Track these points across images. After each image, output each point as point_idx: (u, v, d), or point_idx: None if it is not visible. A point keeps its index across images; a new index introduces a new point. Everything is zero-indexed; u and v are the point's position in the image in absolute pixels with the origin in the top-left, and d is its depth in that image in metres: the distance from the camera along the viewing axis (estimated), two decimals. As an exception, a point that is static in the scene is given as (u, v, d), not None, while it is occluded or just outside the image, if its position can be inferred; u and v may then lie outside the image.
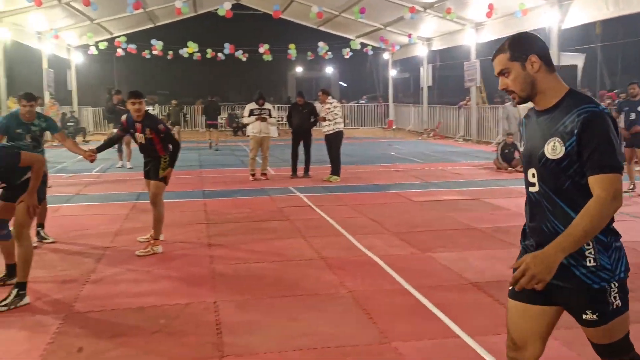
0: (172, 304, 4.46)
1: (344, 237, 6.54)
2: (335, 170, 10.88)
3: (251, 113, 11.00)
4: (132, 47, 22.18)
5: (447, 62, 28.70)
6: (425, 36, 21.14)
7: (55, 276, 5.18)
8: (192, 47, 22.32)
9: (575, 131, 2.04)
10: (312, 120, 11.29)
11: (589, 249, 2.10)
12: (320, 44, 23.16)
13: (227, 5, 17.28)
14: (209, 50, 23.38)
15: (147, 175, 6.24)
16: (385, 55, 26.26)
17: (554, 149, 2.10)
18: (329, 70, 43.13)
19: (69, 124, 19.29)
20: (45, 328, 4.00)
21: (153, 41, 22.02)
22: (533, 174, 2.20)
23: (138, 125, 5.95)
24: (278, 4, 17.79)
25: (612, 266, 2.10)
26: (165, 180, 6.04)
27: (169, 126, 15.82)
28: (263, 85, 30.68)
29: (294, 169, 11.35)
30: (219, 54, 23.29)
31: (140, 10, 18.05)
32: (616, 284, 2.11)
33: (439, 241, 6.25)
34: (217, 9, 18.72)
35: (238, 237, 6.58)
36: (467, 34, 18.29)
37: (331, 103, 11.01)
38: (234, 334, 3.92)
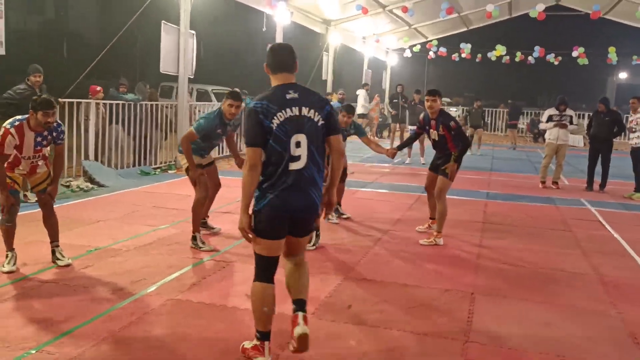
0: (433, 287, 4.86)
1: (631, 259, 6.00)
2: (640, 188, 9.76)
3: (549, 119, 10.60)
4: (442, 50, 23.16)
5: None
6: None
7: (340, 245, 6.07)
8: (500, 50, 22.18)
9: None
10: (615, 130, 10.29)
11: None
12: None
13: (540, 7, 16.68)
14: (518, 54, 22.89)
15: (434, 169, 6.59)
16: None
17: None
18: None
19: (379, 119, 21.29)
20: (327, 283, 4.82)
21: (462, 44, 22.60)
22: None
23: (433, 123, 6.27)
24: (599, 4, 16.39)
25: None
26: (450, 176, 6.24)
27: (467, 127, 16.23)
28: (576, 91, 28.57)
29: (590, 182, 10.53)
30: (529, 57, 22.61)
31: (455, 15, 18.79)
32: None
33: None
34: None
35: (511, 240, 6.61)
36: None
37: (644, 112, 9.87)
38: (483, 324, 4.11)
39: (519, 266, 5.62)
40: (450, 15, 17.90)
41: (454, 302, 4.55)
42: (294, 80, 3.33)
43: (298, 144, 3.19)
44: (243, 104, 6.01)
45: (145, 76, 21.59)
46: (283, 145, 3.16)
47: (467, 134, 15.87)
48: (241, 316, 4.06)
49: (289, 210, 3.23)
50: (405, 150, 13.70)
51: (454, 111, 27.60)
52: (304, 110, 3.23)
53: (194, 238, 5.75)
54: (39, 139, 4.78)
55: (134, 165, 10.30)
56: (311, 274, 4.98)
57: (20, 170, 4.87)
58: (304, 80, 19.43)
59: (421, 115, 6.60)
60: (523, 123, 24.59)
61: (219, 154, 12.76)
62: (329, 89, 18.53)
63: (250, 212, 3.24)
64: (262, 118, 3.12)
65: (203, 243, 5.74)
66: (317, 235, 5.90)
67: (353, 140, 8.01)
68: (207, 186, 5.86)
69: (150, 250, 5.56)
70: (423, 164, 13.17)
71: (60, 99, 8.43)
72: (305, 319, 3.32)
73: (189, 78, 11.43)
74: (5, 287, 4.37)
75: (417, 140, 12.97)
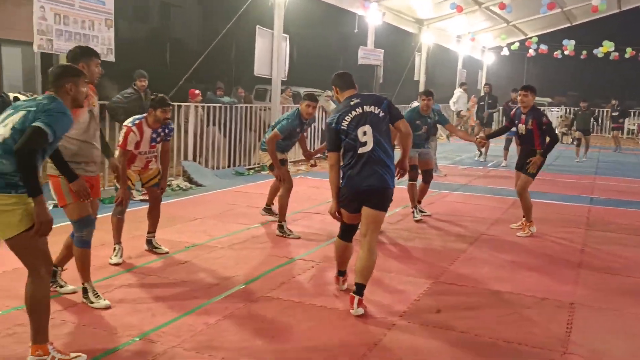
0: (528, 294, 4.65)
1: None
2: None
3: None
4: (543, 48, 22.12)
5: None
6: None
7: (430, 247, 5.96)
8: (607, 46, 20.83)
9: None
10: None
11: None
12: None
13: (655, -1, 15.49)
14: (628, 50, 21.39)
15: (521, 168, 6.61)
16: None
17: None
18: None
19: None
20: (416, 287, 4.75)
21: (565, 41, 21.45)
22: None
23: (523, 117, 6.39)
24: None
25: None
26: (533, 175, 6.40)
27: (573, 131, 15.24)
28: (695, 88, 26.22)
29: None
30: (640, 53, 21.09)
31: (557, 10, 17.87)
32: None
33: None
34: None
35: (616, 248, 6.18)
36: None
37: None
38: (584, 336, 3.88)
39: (624, 276, 5.25)
40: (552, 11, 17.03)
41: (551, 311, 4.33)
42: (356, 92, 4.40)
43: (364, 133, 4.11)
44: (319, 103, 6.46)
45: (241, 79, 22.34)
46: (352, 137, 4.12)
47: (575, 137, 15.01)
48: (328, 315, 4.09)
49: (361, 186, 4.11)
50: (502, 152, 13.24)
51: (555, 112, 26.28)
52: (366, 107, 4.18)
53: (281, 227, 6.21)
54: (154, 135, 5.19)
55: (228, 166, 10.69)
56: (400, 276, 4.98)
57: (135, 167, 5.27)
58: (395, 81, 19.31)
59: (513, 110, 6.80)
60: (634, 124, 22.94)
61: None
62: (421, 89, 18.28)
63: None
64: (334, 127, 4.18)
65: (290, 231, 6.21)
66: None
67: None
68: (291, 179, 6.33)
69: (244, 248, 5.74)
70: (504, 165, 12.82)
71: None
72: (360, 302, 4.07)
73: (282, 80, 11.69)
74: (113, 278, 4.68)
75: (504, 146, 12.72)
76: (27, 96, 6.86)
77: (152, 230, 5.44)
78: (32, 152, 2.93)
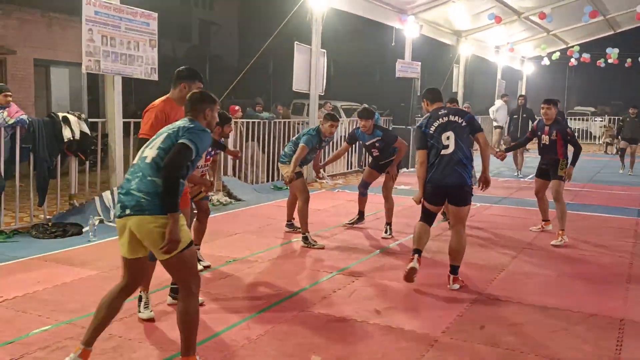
0: (575, 310, 4.52)
1: None
2: None
3: None
4: (585, 57, 21.60)
5: None
6: None
7: (472, 262, 5.86)
8: (653, 54, 20.19)
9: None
10: None
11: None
12: None
13: None
14: (675, 56, 20.71)
15: (541, 175, 7.06)
16: None
17: None
18: None
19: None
20: (459, 303, 4.67)
21: (609, 49, 20.91)
22: None
23: (546, 129, 6.82)
24: None
25: None
26: (563, 178, 6.73)
27: (617, 141, 14.48)
28: None
29: None
30: (688, 60, 20.37)
31: (599, 18, 17.46)
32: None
33: None
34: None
35: (668, 263, 5.96)
36: None
37: None
38: (635, 354, 3.74)
39: (678, 292, 5.05)
40: (594, 19, 16.65)
41: (600, 328, 4.19)
42: (443, 105, 5.27)
43: (448, 138, 4.92)
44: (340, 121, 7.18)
45: (279, 94, 22.59)
46: (436, 139, 4.95)
47: (620, 147, 14.32)
48: (370, 330, 4.06)
49: (442, 183, 4.92)
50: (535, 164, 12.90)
51: (599, 121, 25.61)
52: (451, 117, 5.00)
53: (305, 238, 6.37)
54: (210, 149, 5.33)
55: (267, 181, 10.79)
56: (442, 291, 4.91)
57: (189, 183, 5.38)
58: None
59: (535, 122, 7.47)
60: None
61: (347, 168, 12.96)
62: (460, 101, 18.08)
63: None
64: (423, 129, 5.02)
65: (315, 242, 6.38)
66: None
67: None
68: (307, 190, 6.53)
69: (284, 263, 5.77)
70: (520, 176, 12.69)
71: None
72: (455, 279, 5.01)
73: (320, 95, 11.78)
74: (156, 292, 4.75)
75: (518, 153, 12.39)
76: (75, 115, 7.11)
77: (197, 243, 5.52)
78: (179, 167, 3.12)
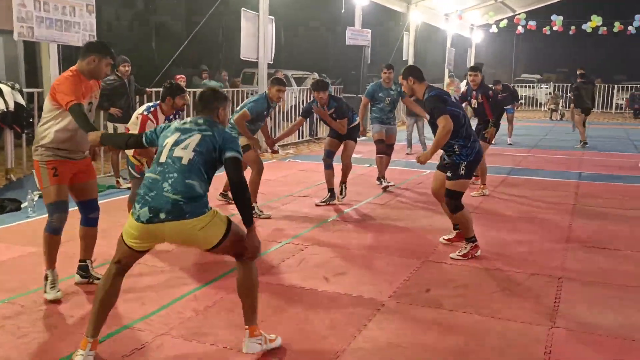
0: (517, 271, 4.67)
1: None
2: None
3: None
4: (531, 24, 21.99)
5: None
6: None
7: (417, 227, 5.95)
8: (595, 21, 20.74)
9: None
10: None
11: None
12: None
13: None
14: (616, 24, 21.32)
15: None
16: None
17: None
18: None
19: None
20: (405, 268, 4.74)
21: (553, 16, 21.34)
22: None
23: (474, 93, 7.55)
24: None
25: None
26: (489, 139, 7.52)
27: (576, 112, 13.85)
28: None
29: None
30: (629, 27, 20.99)
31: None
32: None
33: None
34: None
35: (604, 223, 6.22)
36: None
37: None
38: (572, 309, 3.91)
39: (613, 250, 5.28)
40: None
41: (540, 286, 4.35)
42: None
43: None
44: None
45: (229, 64, 22.13)
46: (463, 112, 4.95)
47: (577, 120, 13.60)
48: (318, 298, 4.09)
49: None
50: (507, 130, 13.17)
51: (544, 88, 26.29)
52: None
53: (252, 208, 6.19)
54: (166, 122, 5.15)
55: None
56: (389, 257, 4.98)
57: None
58: (384, 62, 19.10)
59: (464, 89, 8.29)
60: (622, 98, 23.01)
61: (298, 138, 12.90)
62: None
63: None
64: (447, 97, 4.89)
65: (261, 211, 6.38)
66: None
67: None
68: (260, 160, 6.45)
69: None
70: (509, 144, 12.73)
71: (147, 89, 8.83)
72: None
73: (269, 64, 11.58)
74: (98, 268, 4.63)
75: (507, 121, 12.56)
76: (8, 85, 6.76)
77: None
78: (244, 182, 3.09)
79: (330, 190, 7.00)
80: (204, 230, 3.03)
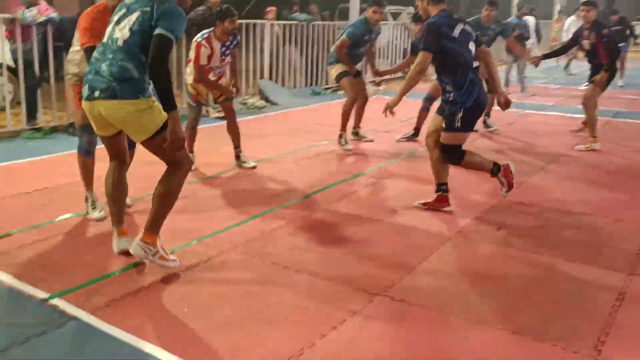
0: (603, 216, 4.36)
1: None
2: None
3: None
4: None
5: None
6: None
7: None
8: None
9: None
10: None
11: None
12: None
13: None
14: None
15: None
16: None
17: None
18: None
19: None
20: (479, 205, 4.57)
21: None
22: None
23: (585, 33, 6.49)
24: None
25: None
26: (600, 85, 6.39)
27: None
28: None
29: None
30: None
31: None
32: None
33: None
34: None
35: None
36: None
37: None
38: (655, 259, 3.61)
39: None
40: None
41: (624, 233, 4.05)
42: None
43: (472, 50, 4.12)
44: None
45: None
46: (464, 47, 4.06)
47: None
48: (384, 228, 4.06)
49: (484, 99, 4.20)
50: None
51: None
52: (467, 27, 4.18)
53: (340, 136, 6.26)
54: (223, 48, 5.24)
55: (306, 85, 10.63)
56: (466, 192, 4.75)
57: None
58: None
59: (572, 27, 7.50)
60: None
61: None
62: None
63: None
64: (443, 30, 4.01)
65: (346, 142, 6.24)
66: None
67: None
68: (355, 90, 6.27)
69: (309, 164, 5.76)
70: (621, 86, 11.66)
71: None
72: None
73: (363, -3, 11.22)
74: (187, 186, 4.85)
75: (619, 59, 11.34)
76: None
77: (237, 144, 5.53)
78: (164, 62, 2.90)
79: (416, 129, 6.82)
80: (139, 116, 3.00)
